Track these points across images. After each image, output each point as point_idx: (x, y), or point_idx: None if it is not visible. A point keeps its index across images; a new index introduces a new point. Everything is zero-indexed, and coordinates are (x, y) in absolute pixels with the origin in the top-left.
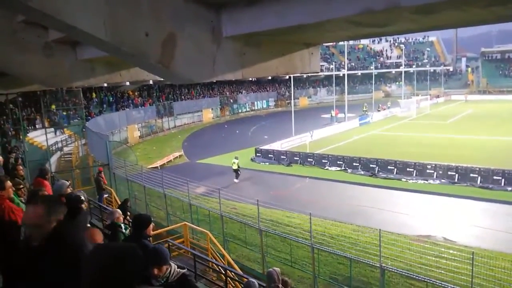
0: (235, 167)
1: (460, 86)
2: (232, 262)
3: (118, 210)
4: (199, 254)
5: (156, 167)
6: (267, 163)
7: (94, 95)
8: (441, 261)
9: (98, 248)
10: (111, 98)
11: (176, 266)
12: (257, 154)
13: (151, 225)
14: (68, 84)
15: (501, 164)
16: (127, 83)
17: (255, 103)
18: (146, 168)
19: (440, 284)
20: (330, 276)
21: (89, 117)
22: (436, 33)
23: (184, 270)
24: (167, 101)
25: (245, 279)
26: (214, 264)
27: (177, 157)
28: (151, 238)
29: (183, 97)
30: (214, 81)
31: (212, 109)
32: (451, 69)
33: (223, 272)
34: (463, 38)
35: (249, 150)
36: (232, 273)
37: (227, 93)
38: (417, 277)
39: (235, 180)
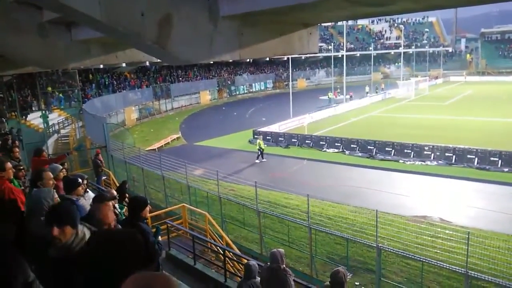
0: (258, 147)
1: (459, 67)
2: (231, 242)
3: (113, 191)
4: (197, 235)
5: (154, 149)
6: (265, 145)
7: (90, 77)
8: (437, 241)
9: (96, 234)
10: (107, 80)
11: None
12: (255, 136)
13: (148, 207)
14: (63, 66)
15: (498, 145)
16: (124, 65)
17: (253, 85)
18: (144, 150)
19: (435, 264)
20: (327, 256)
21: (86, 99)
22: (436, 14)
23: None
24: (164, 83)
25: (244, 259)
26: (212, 245)
27: (174, 139)
28: (147, 220)
29: (180, 79)
30: (212, 62)
31: (209, 91)
32: (450, 50)
33: (222, 252)
34: (463, 19)
35: (247, 132)
36: (231, 253)
37: (225, 74)
38: (413, 257)
39: (256, 161)
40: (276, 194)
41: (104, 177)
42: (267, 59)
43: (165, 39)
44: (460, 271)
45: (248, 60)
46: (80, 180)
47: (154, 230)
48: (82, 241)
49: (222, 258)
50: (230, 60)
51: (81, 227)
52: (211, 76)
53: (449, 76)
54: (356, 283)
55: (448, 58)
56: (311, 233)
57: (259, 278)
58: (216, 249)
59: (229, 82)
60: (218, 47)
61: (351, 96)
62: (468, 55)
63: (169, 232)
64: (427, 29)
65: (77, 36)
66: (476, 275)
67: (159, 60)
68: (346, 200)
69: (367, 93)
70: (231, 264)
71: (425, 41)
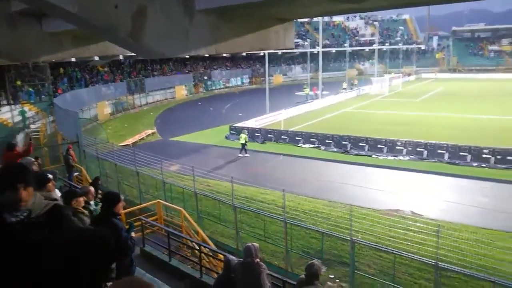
0: (242, 141)
1: (431, 65)
2: (207, 238)
3: (91, 187)
4: (173, 231)
5: (128, 145)
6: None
7: (61, 70)
8: (408, 233)
9: (67, 231)
10: (79, 74)
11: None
12: (232, 132)
13: (121, 203)
14: (34, 59)
15: (468, 141)
16: (96, 58)
17: (230, 80)
18: (117, 146)
19: (407, 256)
20: (303, 249)
21: (57, 94)
22: (410, 12)
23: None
24: (139, 77)
25: (220, 255)
26: (188, 241)
27: (149, 134)
28: (121, 217)
29: (155, 73)
30: (187, 56)
31: (185, 86)
32: (423, 47)
33: (197, 248)
34: (436, 17)
35: (223, 127)
36: (207, 249)
37: (201, 69)
38: (385, 249)
39: (239, 155)
40: (253, 189)
41: (76, 173)
42: (244, 54)
43: (139, 32)
44: (430, 262)
45: (224, 55)
46: (50, 176)
47: (127, 226)
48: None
49: (198, 254)
50: (206, 55)
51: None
52: (187, 71)
53: (421, 73)
54: (331, 276)
55: (420, 55)
56: (286, 227)
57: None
58: (191, 245)
59: (205, 77)
60: (193, 41)
61: (315, 94)
62: (438, 54)
63: (144, 228)
64: (401, 27)
65: (48, 28)
66: (445, 266)
67: (133, 54)
68: (322, 195)
69: (344, 89)
70: (207, 259)
71: (398, 39)
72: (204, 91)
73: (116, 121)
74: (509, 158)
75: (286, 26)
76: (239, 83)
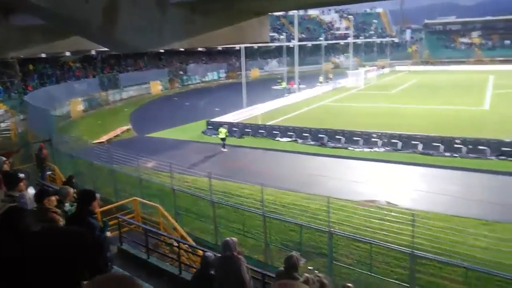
0: (222, 136)
1: (404, 57)
2: (185, 234)
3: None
4: (150, 228)
5: (103, 142)
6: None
7: (31, 67)
8: (384, 223)
9: (42, 231)
10: (50, 70)
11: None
12: (209, 127)
13: (97, 201)
14: (1, 55)
15: (440, 131)
16: (68, 54)
17: (206, 74)
18: (92, 143)
19: (383, 245)
20: (282, 242)
21: (27, 91)
22: (383, 5)
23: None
24: (112, 73)
25: (199, 251)
26: (166, 238)
27: (125, 131)
28: (97, 215)
29: (129, 68)
30: (162, 51)
31: (160, 81)
32: (396, 40)
33: (176, 244)
34: (409, 10)
35: (200, 123)
36: (185, 245)
37: (176, 64)
38: (362, 239)
39: (223, 150)
40: (231, 184)
41: (49, 172)
42: (220, 48)
43: (111, 26)
44: (406, 251)
45: (200, 49)
46: (21, 175)
47: (103, 225)
48: None
49: (177, 250)
50: (181, 49)
51: None
52: (162, 66)
53: (396, 65)
54: (310, 267)
55: (394, 48)
56: (265, 221)
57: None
58: (170, 242)
59: (181, 71)
60: (167, 35)
61: (292, 87)
62: (410, 48)
63: (121, 227)
64: (375, 20)
65: (15, 22)
66: (420, 254)
67: (106, 49)
68: (300, 188)
69: (320, 82)
70: (186, 256)
71: (372, 32)
72: (180, 86)
73: (90, 118)
74: (480, 147)
75: (262, 19)
76: (216, 77)
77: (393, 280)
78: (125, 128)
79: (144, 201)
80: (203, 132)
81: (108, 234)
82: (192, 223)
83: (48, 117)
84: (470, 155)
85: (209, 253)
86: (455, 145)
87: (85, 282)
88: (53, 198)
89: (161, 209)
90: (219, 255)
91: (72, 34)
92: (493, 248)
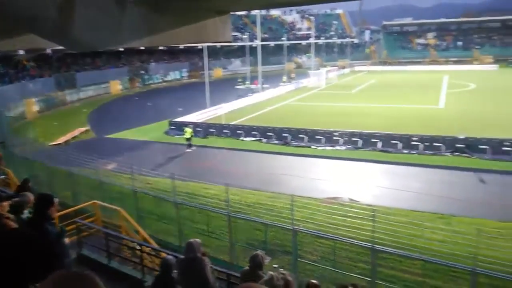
0: (187, 135)
1: (364, 58)
2: (148, 237)
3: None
4: (111, 232)
5: (60, 144)
6: (182, 136)
7: None
8: (347, 219)
9: None
10: (2, 69)
11: None
12: (172, 127)
13: (55, 205)
14: None
15: (398, 129)
16: (22, 52)
17: (168, 74)
18: (48, 145)
19: (346, 241)
20: (247, 242)
21: None
22: (343, 6)
23: None
24: (69, 72)
25: (163, 253)
26: (128, 241)
27: (83, 132)
28: (55, 220)
29: (86, 67)
30: (122, 49)
31: (120, 80)
32: (356, 41)
33: (139, 248)
34: (367, 11)
35: (163, 123)
36: (148, 248)
37: (137, 63)
38: (326, 236)
39: (187, 150)
40: (195, 185)
41: (2, 176)
42: (182, 47)
43: (67, 24)
44: (367, 246)
45: (161, 48)
46: None
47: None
48: None
49: (139, 254)
50: (142, 47)
51: None
52: (121, 65)
53: (356, 66)
54: (275, 266)
55: (354, 49)
56: (230, 221)
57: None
58: (132, 245)
59: (142, 71)
60: (126, 33)
61: (254, 87)
62: (368, 49)
63: (80, 231)
64: (335, 21)
65: None
66: (381, 249)
67: (62, 47)
68: (265, 187)
69: (284, 82)
70: (149, 259)
71: (333, 33)
72: (141, 85)
73: (46, 119)
74: (435, 144)
75: (224, 19)
76: (178, 77)
77: (355, 275)
78: (83, 129)
79: (105, 204)
80: (166, 133)
81: (67, 240)
82: (155, 226)
83: (2, 118)
84: (427, 151)
85: (169, 256)
86: (413, 143)
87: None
88: (5, 203)
89: (123, 212)
90: (183, 256)
91: (26, 31)
92: (448, 241)
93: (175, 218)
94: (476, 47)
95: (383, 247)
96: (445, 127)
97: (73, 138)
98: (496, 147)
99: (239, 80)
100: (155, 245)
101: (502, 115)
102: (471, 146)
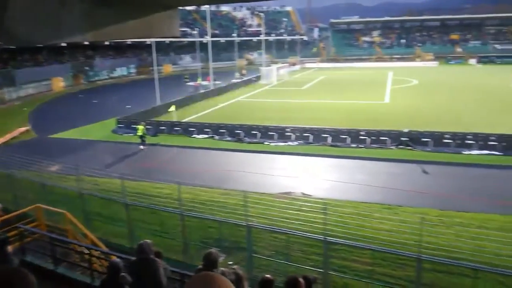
0: (140, 133)
1: (313, 55)
2: (96, 240)
3: None
4: (57, 236)
5: None
6: (131, 134)
7: None
8: (300, 213)
9: None
10: None
11: None
12: (119, 125)
13: None
14: None
15: (347, 124)
16: None
17: (114, 70)
18: None
19: (299, 234)
20: (201, 240)
21: None
22: (292, 4)
23: None
24: (7, 69)
25: (113, 256)
26: (75, 245)
27: (23, 132)
28: None
29: (26, 63)
30: (64, 44)
31: (63, 77)
32: (305, 38)
33: (87, 252)
34: (316, 9)
35: (110, 121)
36: (98, 252)
37: (81, 59)
38: (279, 230)
39: (141, 147)
40: (146, 184)
41: None
42: (129, 42)
43: (1, 16)
44: (319, 238)
45: (107, 43)
46: None
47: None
48: None
49: (88, 257)
50: (85, 42)
51: None
52: (64, 61)
53: (305, 62)
54: (230, 263)
55: (304, 46)
56: (183, 220)
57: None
58: (80, 250)
59: (86, 67)
60: (67, 27)
61: (199, 84)
62: (314, 48)
63: (23, 237)
64: (284, 18)
65: None
66: (332, 240)
67: None
68: (218, 184)
69: (237, 78)
70: (99, 263)
71: (283, 30)
72: (86, 82)
73: None
74: (381, 138)
75: (171, 13)
76: (125, 73)
77: (308, 267)
78: (24, 129)
79: (49, 207)
80: (114, 131)
81: (9, 248)
82: (104, 228)
83: None
84: (373, 145)
85: (117, 259)
86: (360, 137)
87: None
88: None
89: (69, 215)
90: (135, 258)
91: None
92: (395, 230)
93: (126, 219)
94: (418, 44)
95: (335, 239)
96: (391, 121)
97: (13, 138)
98: (438, 140)
99: (185, 76)
100: (105, 248)
101: (442, 109)
102: (414, 139)
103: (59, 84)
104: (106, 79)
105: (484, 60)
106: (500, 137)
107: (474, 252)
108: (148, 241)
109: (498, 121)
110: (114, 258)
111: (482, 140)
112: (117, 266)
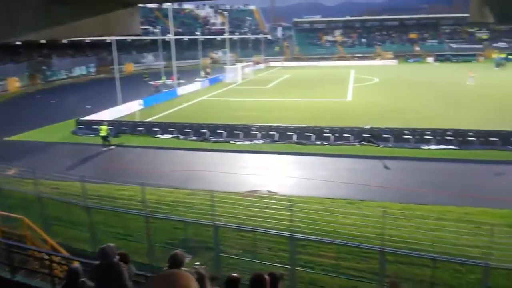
0: (103, 133)
1: (277, 53)
2: (57, 246)
3: None
4: (14, 243)
5: None
6: (92, 135)
7: None
8: (266, 211)
9: None
10: None
11: None
12: (79, 126)
13: None
14: None
15: (311, 122)
16: None
17: (73, 69)
18: None
19: (265, 232)
20: (167, 242)
21: None
22: (255, 2)
23: None
24: None
25: (75, 262)
26: (35, 252)
27: None
28: None
29: None
30: (19, 43)
31: (19, 77)
32: (269, 37)
33: (47, 257)
34: (279, 8)
35: (69, 122)
36: (58, 258)
37: (38, 58)
38: (246, 229)
39: (107, 148)
40: (109, 186)
41: None
42: (88, 40)
43: None
44: (286, 235)
45: (66, 41)
46: None
47: None
48: None
49: (48, 264)
50: (42, 41)
51: None
52: (20, 60)
53: (270, 61)
54: (196, 263)
55: (268, 44)
56: (148, 222)
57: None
58: (40, 256)
59: (43, 66)
60: (21, 25)
61: (169, 82)
62: (277, 47)
63: None
64: (248, 17)
65: None
66: (299, 237)
67: None
68: (184, 184)
69: (203, 77)
70: (60, 269)
71: (247, 29)
72: (43, 82)
73: None
74: (345, 135)
75: (131, 11)
76: (85, 72)
77: (275, 264)
78: None
79: (4, 213)
80: (74, 132)
81: None
82: (65, 233)
83: None
84: (337, 142)
85: (76, 265)
86: (324, 134)
87: None
88: None
89: (26, 221)
90: (97, 263)
91: None
92: (359, 224)
93: (88, 223)
94: (378, 44)
95: (301, 235)
96: (353, 118)
97: None
98: (398, 136)
99: (145, 75)
100: (66, 254)
101: (402, 106)
102: (376, 135)
103: (14, 84)
104: (64, 78)
105: (441, 58)
106: (456, 132)
107: (433, 243)
108: (111, 244)
109: (455, 116)
110: (75, 264)
111: (439, 135)
112: (76, 271)
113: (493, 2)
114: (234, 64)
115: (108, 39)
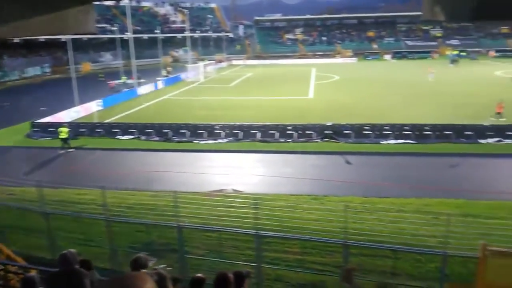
0: (64, 135)
1: (240, 52)
2: (12, 254)
3: None
4: None
5: None
6: (49, 138)
7: None
8: (231, 210)
9: None
10: None
11: None
12: (34, 129)
13: None
14: None
15: (275, 120)
16: None
17: (26, 69)
18: None
19: (231, 231)
20: (130, 246)
21: None
22: (216, 0)
23: None
24: None
25: (32, 270)
26: None
27: None
28: None
29: None
30: None
31: None
32: (231, 35)
33: (2, 267)
34: (240, 6)
35: (23, 125)
36: (15, 267)
37: None
38: (211, 229)
39: (68, 150)
40: (67, 191)
41: None
42: (42, 39)
43: None
44: (251, 233)
45: (17, 41)
46: None
47: None
48: None
49: (3, 274)
50: None
51: None
52: None
53: (232, 60)
54: (162, 266)
55: (229, 43)
56: (109, 226)
57: None
58: None
59: None
60: None
61: (130, 82)
62: (238, 45)
63: None
64: (209, 15)
65: None
66: (264, 234)
67: None
68: (147, 186)
69: (164, 76)
70: (17, 278)
71: (208, 27)
72: None
73: None
74: (307, 132)
75: (86, 8)
76: (39, 72)
77: (242, 262)
78: None
79: None
80: (28, 135)
81: None
82: (22, 241)
83: None
84: (300, 139)
85: (32, 273)
86: (288, 132)
87: None
88: None
89: None
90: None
91: None
92: (323, 219)
93: (46, 230)
94: (338, 42)
95: (266, 232)
96: (315, 115)
97: None
98: (358, 132)
99: (100, 75)
100: (23, 262)
101: (361, 102)
102: (337, 132)
103: None
104: (17, 79)
105: (398, 55)
106: (414, 127)
107: (394, 235)
108: (72, 250)
109: (412, 111)
110: (32, 272)
111: (397, 130)
112: (32, 280)
113: (443, 0)
114: (196, 63)
115: (63, 38)
